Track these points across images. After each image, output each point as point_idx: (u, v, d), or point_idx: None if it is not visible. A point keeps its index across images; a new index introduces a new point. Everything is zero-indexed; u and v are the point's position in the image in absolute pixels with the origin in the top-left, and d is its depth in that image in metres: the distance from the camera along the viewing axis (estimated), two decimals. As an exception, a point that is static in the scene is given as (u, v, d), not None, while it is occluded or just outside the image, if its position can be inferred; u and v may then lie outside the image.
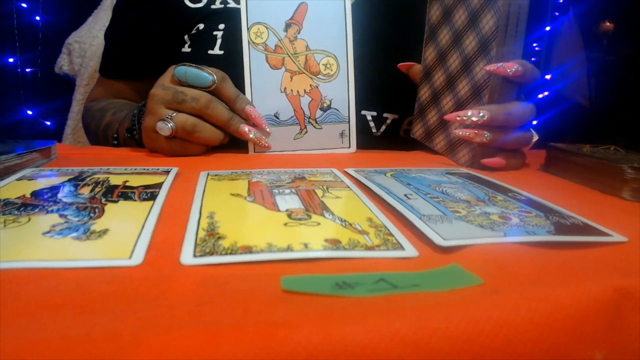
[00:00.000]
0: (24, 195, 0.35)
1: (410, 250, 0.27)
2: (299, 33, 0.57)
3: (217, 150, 0.57)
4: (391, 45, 0.67)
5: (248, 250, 0.26)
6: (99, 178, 0.40)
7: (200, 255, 0.25)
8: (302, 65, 0.57)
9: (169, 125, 0.51)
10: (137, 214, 0.31)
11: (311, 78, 0.58)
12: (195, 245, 0.27)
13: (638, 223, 0.35)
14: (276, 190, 0.38)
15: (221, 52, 0.63)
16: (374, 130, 0.67)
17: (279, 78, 0.57)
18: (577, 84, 2.04)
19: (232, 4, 0.64)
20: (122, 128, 0.63)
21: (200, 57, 0.63)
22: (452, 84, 0.56)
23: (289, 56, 0.57)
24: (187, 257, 0.25)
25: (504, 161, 0.51)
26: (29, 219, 0.30)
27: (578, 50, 2.02)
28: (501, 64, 0.49)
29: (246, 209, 0.34)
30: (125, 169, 0.44)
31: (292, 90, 0.57)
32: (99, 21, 1.08)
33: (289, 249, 0.26)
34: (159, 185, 0.38)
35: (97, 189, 0.37)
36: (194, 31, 0.65)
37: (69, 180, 0.39)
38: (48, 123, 1.61)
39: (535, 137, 0.55)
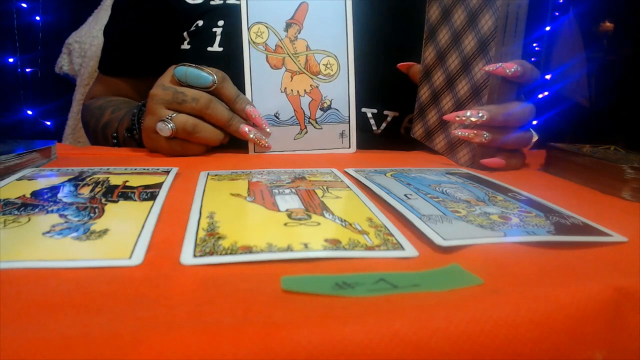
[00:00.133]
0: (24, 195, 0.35)
1: (410, 250, 0.27)
2: (299, 33, 0.57)
3: (217, 150, 0.57)
4: (392, 44, 0.67)
5: (248, 250, 0.26)
6: (99, 178, 0.40)
7: (200, 255, 0.25)
8: (303, 65, 0.57)
9: (169, 125, 0.51)
10: (137, 214, 0.31)
11: (311, 78, 0.58)
12: (195, 245, 0.27)
13: (638, 223, 0.35)
14: (276, 190, 0.38)
15: (220, 49, 0.63)
16: (374, 127, 0.67)
17: (279, 78, 0.57)
18: (577, 84, 2.04)
19: (231, 0, 0.64)
20: (122, 127, 0.63)
21: (199, 54, 0.63)
22: (451, 84, 0.56)
23: (290, 56, 0.57)
24: (187, 257, 0.25)
25: (503, 161, 0.51)
26: (29, 219, 0.30)
27: (578, 50, 2.02)
28: (500, 64, 0.49)
29: (246, 209, 0.34)
30: (125, 169, 0.44)
31: (292, 90, 0.57)
32: (99, 21, 1.08)
33: (289, 249, 0.26)
34: (159, 185, 0.38)
35: (97, 189, 0.37)
36: (193, 28, 0.65)
37: (69, 180, 0.39)
38: (48, 123, 1.61)
39: (535, 137, 0.55)
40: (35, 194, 0.35)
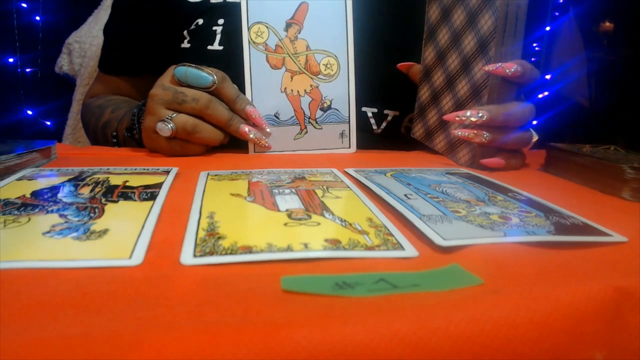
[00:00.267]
0: (24, 195, 0.35)
1: (410, 250, 0.27)
2: (299, 33, 0.57)
3: (217, 150, 0.57)
4: (392, 44, 0.67)
5: (248, 250, 0.26)
6: (99, 178, 0.40)
7: (200, 255, 0.25)
8: (303, 65, 0.57)
9: (169, 125, 0.51)
10: (137, 214, 0.31)
11: (311, 78, 0.58)
12: (195, 245, 0.27)
13: (638, 223, 0.35)
14: (276, 190, 0.38)
15: (221, 48, 0.63)
16: (374, 127, 0.67)
17: (279, 78, 0.57)
18: (577, 84, 2.04)
19: None
20: (122, 127, 0.63)
21: (199, 53, 0.64)
22: (451, 84, 0.56)
23: (290, 56, 0.57)
24: (187, 257, 0.25)
25: (503, 161, 0.51)
26: (29, 219, 0.30)
27: (578, 50, 2.02)
28: (500, 64, 0.49)
29: (246, 209, 0.34)
30: (125, 169, 0.44)
31: (292, 90, 0.57)
32: (99, 21, 1.08)
33: (289, 249, 0.26)
34: (159, 185, 0.38)
35: (97, 189, 0.37)
36: (193, 26, 0.65)
37: (69, 180, 0.39)
38: (48, 123, 1.61)
39: (535, 137, 0.55)
40: (35, 194, 0.35)
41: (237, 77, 0.55)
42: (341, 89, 0.58)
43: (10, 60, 1.54)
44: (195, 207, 0.33)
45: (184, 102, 0.51)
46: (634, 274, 0.25)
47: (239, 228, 0.29)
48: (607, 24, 2.11)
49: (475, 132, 0.50)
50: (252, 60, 0.56)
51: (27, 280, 0.23)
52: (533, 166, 0.55)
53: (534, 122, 0.57)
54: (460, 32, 0.54)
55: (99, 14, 1.12)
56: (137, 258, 0.25)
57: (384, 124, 0.67)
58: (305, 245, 0.27)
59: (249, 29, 0.56)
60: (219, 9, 0.64)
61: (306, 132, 0.58)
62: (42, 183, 0.38)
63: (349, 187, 0.40)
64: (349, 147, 0.59)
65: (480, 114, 0.49)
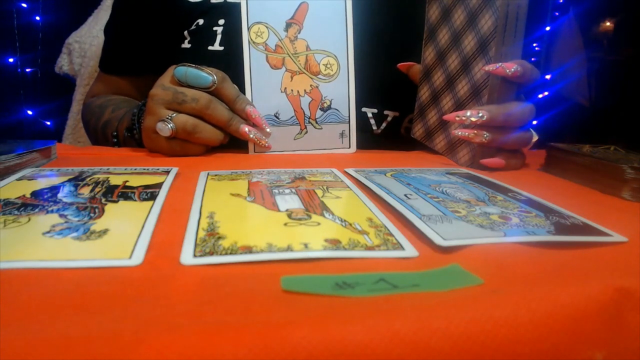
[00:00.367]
0: (24, 195, 0.35)
1: (410, 250, 0.27)
2: (299, 33, 0.57)
3: (217, 150, 0.57)
4: (392, 43, 0.67)
5: (248, 250, 0.26)
6: (99, 178, 0.40)
7: (200, 255, 0.25)
8: (303, 65, 0.57)
9: (169, 125, 0.51)
10: (137, 214, 0.31)
11: (311, 78, 0.58)
12: (195, 245, 0.27)
13: (638, 223, 0.35)
14: (276, 190, 0.38)
15: (221, 48, 0.63)
16: (374, 127, 0.67)
17: (279, 78, 0.57)
18: (577, 84, 2.04)
19: None
20: (122, 127, 0.63)
21: (200, 53, 0.64)
22: (451, 84, 0.56)
23: (290, 56, 0.57)
24: (187, 257, 0.25)
25: (503, 161, 0.51)
26: (29, 219, 0.30)
27: (578, 50, 2.02)
28: (500, 64, 0.49)
29: (246, 209, 0.34)
30: (125, 169, 0.44)
31: (292, 90, 0.57)
32: (99, 21, 1.08)
33: (289, 249, 0.26)
34: (159, 185, 0.38)
35: (97, 189, 0.37)
36: (193, 27, 0.65)
37: (69, 180, 0.39)
38: (48, 123, 1.61)
39: (535, 137, 0.55)
40: (35, 194, 0.35)
41: (237, 77, 0.55)
42: (341, 89, 0.58)
43: (10, 60, 1.54)
44: (195, 207, 0.33)
45: (184, 102, 0.51)
46: (634, 274, 0.25)
47: (239, 228, 0.29)
48: (607, 24, 2.11)
49: (475, 132, 0.50)
50: (252, 61, 0.56)
51: (27, 280, 0.23)
52: (533, 166, 0.55)
53: (534, 122, 0.57)
54: (461, 32, 0.54)
55: (99, 14, 1.12)
56: (137, 258, 0.25)
57: (384, 125, 0.67)
58: (305, 245, 0.27)
59: (249, 29, 0.56)
60: (220, 9, 0.64)
61: (306, 132, 0.58)
62: (42, 183, 0.38)
63: (349, 187, 0.40)
64: (349, 147, 0.59)
65: (480, 114, 0.49)
